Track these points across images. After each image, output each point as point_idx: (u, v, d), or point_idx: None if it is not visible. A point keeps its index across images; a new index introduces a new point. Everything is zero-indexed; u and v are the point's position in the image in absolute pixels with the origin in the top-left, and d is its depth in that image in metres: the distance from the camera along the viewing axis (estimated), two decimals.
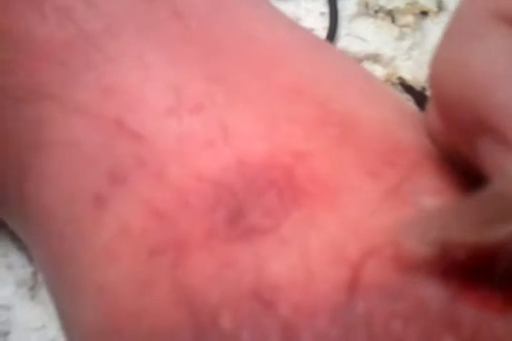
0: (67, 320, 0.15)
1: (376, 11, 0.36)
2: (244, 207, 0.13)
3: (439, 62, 0.13)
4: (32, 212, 0.16)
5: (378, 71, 0.32)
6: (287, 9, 0.36)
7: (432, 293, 0.11)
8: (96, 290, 0.14)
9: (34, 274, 0.25)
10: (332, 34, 0.35)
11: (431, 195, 0.14)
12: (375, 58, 0.33)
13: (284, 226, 0.12)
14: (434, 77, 0.14)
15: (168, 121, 0.14)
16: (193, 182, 0.13)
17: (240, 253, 0.12)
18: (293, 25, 0.19)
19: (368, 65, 0.33)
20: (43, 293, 0.24)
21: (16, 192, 0.16)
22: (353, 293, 0.11)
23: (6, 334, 0.24)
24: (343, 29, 0.35)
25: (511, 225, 0.11)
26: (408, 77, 0.32)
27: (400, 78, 0.32)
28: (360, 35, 0.34)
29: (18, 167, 0.16)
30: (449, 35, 0.14)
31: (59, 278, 0.15)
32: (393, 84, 0.32)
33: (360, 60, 0.33)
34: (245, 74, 0.16)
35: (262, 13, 0.18)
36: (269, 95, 0.15)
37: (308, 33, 0.19)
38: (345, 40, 0.35)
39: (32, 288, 0.25)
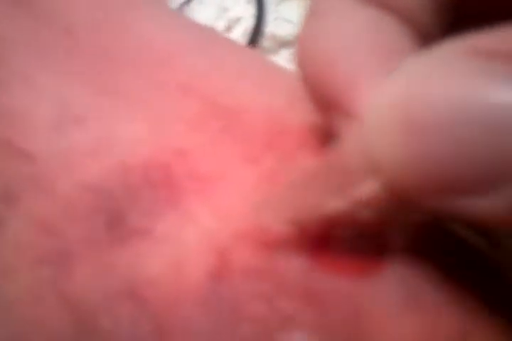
0: None
1: None
2: (123, 211, 0.13)
3: (298, 38, 0.14)
4: None
5: None
6: (214, 0, 0.36)
7: (293, 269, 0.12)
8: (3, 305, 0.14)
9: None
10: (259, 21, 0.35)
11: None
12: None
13: (160, 226, 0.13)
14: (296, 51, 0.14)
15: (55, 137, 0.15)
16: (78, 193, 0.14)
17: (119, 257, 0.13)
18: (188, 25, 0.19)
19: None
20: None
21: None
22: (221, 280, 0.12)
23: None
24: (271, 13, 0.35)
25: (350, 193, 0.11)
26: None
27: None
28: (287, 17, 0.35)
29: None
30: (308, 12, 0.14)
31: None
32: None
33: (288, 42, 0.34)
34: (132, 79, 0.16)
35: (155, 17, 0.19)
36: (156, 97, 0.16)
37: (204, 31, 0.20)
38: (273, 25, 0.35)
39: None
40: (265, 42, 0.34)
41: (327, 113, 0.13)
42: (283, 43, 0.34)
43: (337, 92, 0.12)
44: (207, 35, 0.20)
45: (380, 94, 0.10)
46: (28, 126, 0.15)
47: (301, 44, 0.14)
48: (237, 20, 0.36)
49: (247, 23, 0.36)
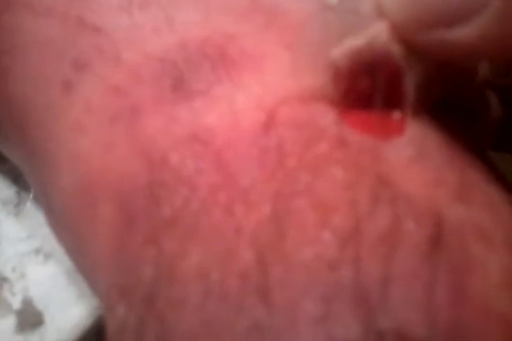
0: (48, 190, 0.18)
1: None
2: (184, 76, 0.15)
3: None
4: (13, 110, 0.19)
5: None
6: None
7: (327, 120, 0.14)
8: (70, 157, 0.16)
9: (18, 193, 0.27)
10: None
11: None
12: None
13: (216, 89, 0.15)
14: None
15: (121, 16, 0.17)
16: (142, 61, 0.16)
17: (181, 111, 0.15)
18: None
19: None
20: (27, 210, 0.27)
21: None
22: (269, 127, 0.14)
23: None
24: None
25: (363, 33, 0.14)
26: None
27: None
28: None
29: None
30: None
31: (39, 155, 0.18)
32: None
33: None
34: None
35: None
36: None
37: None
38: None
39: (17, 206, 0.27)
40: None
41: None
42: None
43: None
44: None
45: None
46: (97, 6, 0.17)
47: None
48: None
49: None
